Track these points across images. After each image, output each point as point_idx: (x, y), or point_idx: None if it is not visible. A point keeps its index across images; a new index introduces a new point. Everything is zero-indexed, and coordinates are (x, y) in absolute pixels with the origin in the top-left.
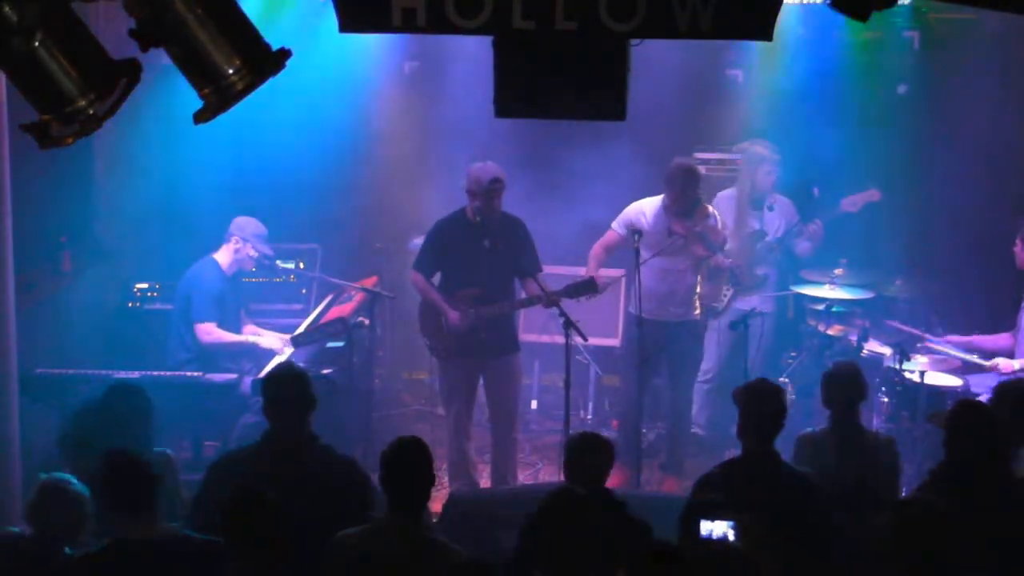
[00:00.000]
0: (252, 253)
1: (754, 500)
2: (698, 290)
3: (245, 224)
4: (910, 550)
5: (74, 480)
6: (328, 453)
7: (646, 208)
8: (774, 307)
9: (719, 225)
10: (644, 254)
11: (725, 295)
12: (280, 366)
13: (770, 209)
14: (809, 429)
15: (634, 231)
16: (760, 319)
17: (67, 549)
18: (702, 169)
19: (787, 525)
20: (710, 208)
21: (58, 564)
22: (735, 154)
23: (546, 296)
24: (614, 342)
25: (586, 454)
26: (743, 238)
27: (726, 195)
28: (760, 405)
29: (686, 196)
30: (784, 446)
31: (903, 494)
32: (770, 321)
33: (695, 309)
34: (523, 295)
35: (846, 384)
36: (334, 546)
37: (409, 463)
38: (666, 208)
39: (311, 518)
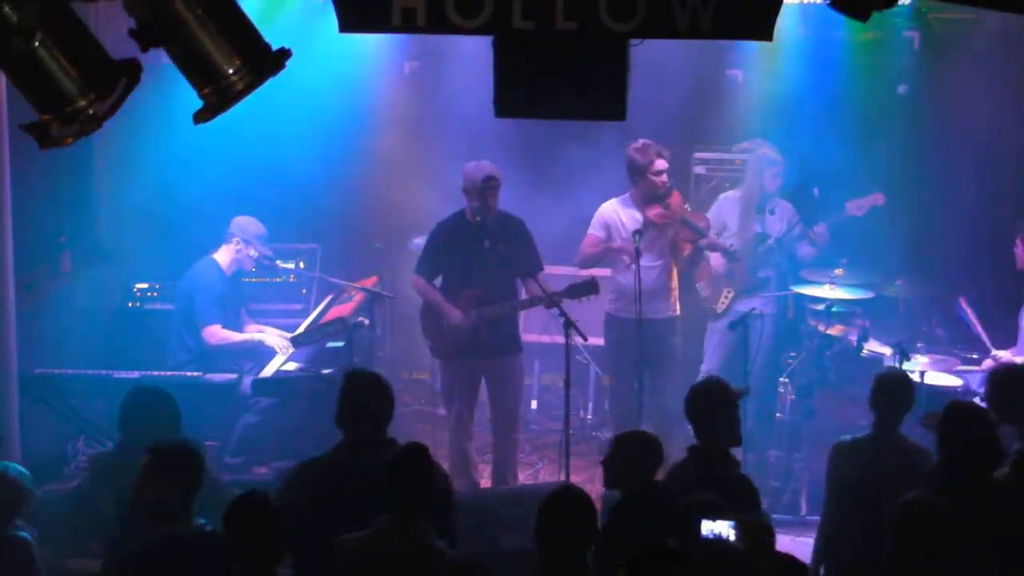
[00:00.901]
0: (253, 254)
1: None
2: (674, 287)
3: (246, 225)
4: (911, 550)
5: (11, 467)
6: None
7: (617, 208)
8: (774, 308)
9: (688, 207)
10: (625, 257)
11: (726, 297)
12: (364, 372)
13: (771, 212)
14: (848, 436)
15: (635, 231)
16: (760, 320)
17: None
18: (702, 169)
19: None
20: (679, 195)
21: None
22: (735, 154)
23: (547, 297)
24: None
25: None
26: (747, 241)
27: (729, 197)
28: (701, 405)
29: (651, 173)
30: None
31: None
32: (770, 322)
33: (675, 306)
34: (524, 295)
35: (897, 392)
36: (335, 549)
37: (412, 467)
38: (635, 201)
39: None
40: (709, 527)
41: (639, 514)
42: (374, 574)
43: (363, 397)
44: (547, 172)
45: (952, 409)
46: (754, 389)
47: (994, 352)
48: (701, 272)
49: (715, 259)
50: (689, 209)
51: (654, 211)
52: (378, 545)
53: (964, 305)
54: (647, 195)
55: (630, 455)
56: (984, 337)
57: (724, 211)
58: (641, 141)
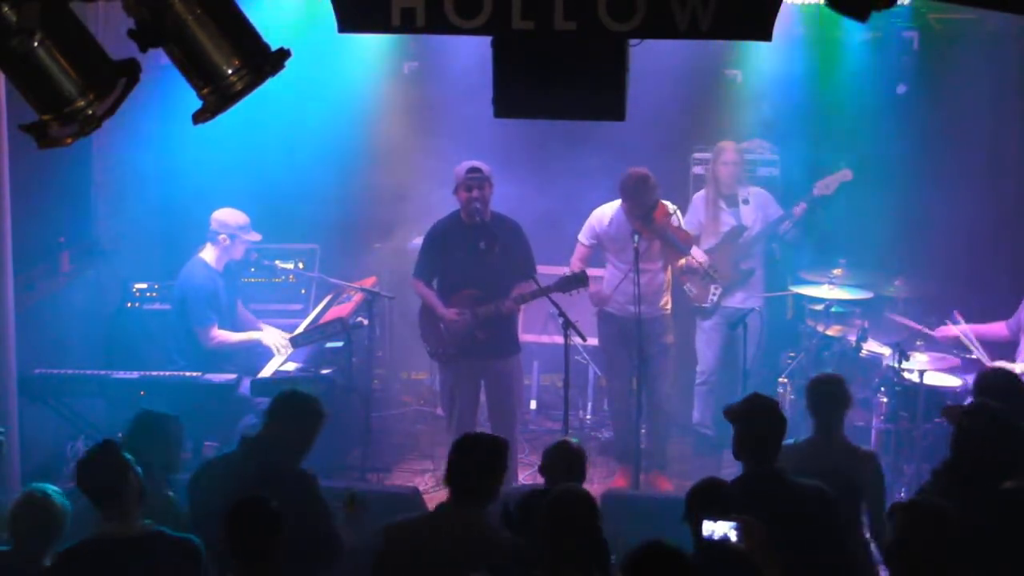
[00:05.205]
0: (241, 248)
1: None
2: (668, 287)
3: (227, 219)
4: (914, 551)
5: (54, 492)
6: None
7: (606, 214)
8: (763, 303)
9: (680, 223)
10: (615, 260)
11: (714, 294)
12: (304, 395)
13: (745, 203)
14: (791, 439)
15: (634, 232)
16: (757, 316)
17: (47, 561)
18: (700, 169)
19: (795, 548)
20: (669, 205)
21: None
22: None
23: (540, 291)
24: None
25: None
26: (720, 236)
27: (700, 196)
28: (754, 425)
29: (639, 202)
30: None
31: (893, 500)
32: (761, 317)
33: (665, 305)
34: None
35: (831, 395)
36: (392, 531)
37: (478, 451)
38: (627, 213)
39: None
40: (710, 528)
41: None
42: (430, 556)
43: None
44: (546, 172)
45: (976, 411)
46: (752, 386)
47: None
48: (683, 272)
49: (698, 255)
50: (676, 222)
51: (646, 229)
52: (439, 533)
53: (959, 321)
54: (633, 213)
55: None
56: (918, 328)
57: (698, 211)
58: (641, 169)
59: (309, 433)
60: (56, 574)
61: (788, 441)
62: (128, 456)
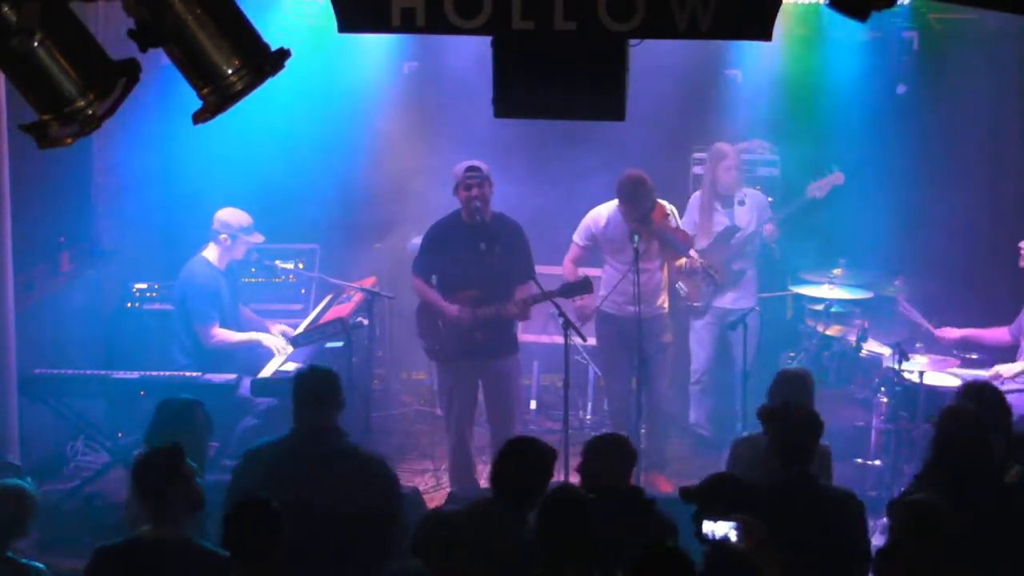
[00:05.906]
0: (243, 249)
1: (785, 526)
2: (665, 286)
3: (229, 219)
4: (910, 551)
5: (24, 484)
6: (355, 452)
7: (602, 215)
8: (756, 303)
9: (677, 224)
10: (612, 261)
11: (706, 294)
12: (312, 367)
13: (740, 204)
14: (746, 433)
15: (632, 232)
16: (756, 317)
17: (9, 553)
18: (700, 169)
19: (822, 552)
20: (667, 206)
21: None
22: None
23: (544, 294)
24: None
25: (601, 456)
26: (713, 236)
27: (696, 196)
28: (785, 432)
29: (636, 206)
30: None
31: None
32: (756, 318)
33: (662, 304)
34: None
35: (791, 390)
36: (427, 520)
37: (528, 455)
38: (624, 215)
39: (334, 520)
40: (710, 528)
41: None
42: (466, 551)
43: (320, 388)
44: (545, 172)
45: (948, 413)
46: (752, 387)
47: (997, 368)
48: (678, 271)
49: (691, 260)
50: (674, 223)
51: (642, 227)
52: (480, 532)
53: (904, 305)
54: (630, 216)
55: (604, 458)
56: (922, 322)
57: (693, 212)
58: (638, 172)
59: (341, 401)
60: (92, 571)
61: (743, 435)
62: (192, 464)
